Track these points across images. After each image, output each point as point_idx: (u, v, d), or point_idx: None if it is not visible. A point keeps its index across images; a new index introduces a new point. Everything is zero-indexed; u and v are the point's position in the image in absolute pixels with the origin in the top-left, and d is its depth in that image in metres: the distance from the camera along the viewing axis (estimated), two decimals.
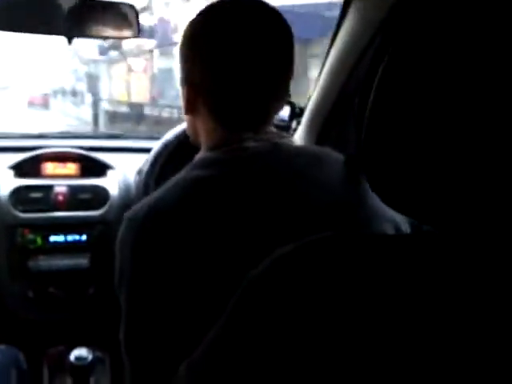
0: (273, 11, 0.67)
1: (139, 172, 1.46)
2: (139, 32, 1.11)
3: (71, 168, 1.54)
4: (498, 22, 0.32)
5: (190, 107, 0.71)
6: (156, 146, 1.38)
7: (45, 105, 26.23)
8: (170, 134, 1.39)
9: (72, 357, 1.19)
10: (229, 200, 0.62)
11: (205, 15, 0.68)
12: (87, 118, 16.90)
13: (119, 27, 1.11)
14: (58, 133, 1.93)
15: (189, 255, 0.60)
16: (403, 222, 0.78)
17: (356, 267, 0.36)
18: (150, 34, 15.39)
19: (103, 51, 22.23)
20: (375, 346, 0.33)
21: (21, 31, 1.29)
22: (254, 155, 0.66)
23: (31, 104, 26.01)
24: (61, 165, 1.54)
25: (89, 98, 23.39)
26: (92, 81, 26.66)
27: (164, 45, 16.11)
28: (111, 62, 22.60)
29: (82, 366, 1.18)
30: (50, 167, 1.53)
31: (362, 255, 0.37)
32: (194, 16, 0.69)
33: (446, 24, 0.33)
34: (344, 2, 1.12)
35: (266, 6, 0.67)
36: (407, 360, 0.32)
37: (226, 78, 0.66)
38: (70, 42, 1.11)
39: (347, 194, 0.68)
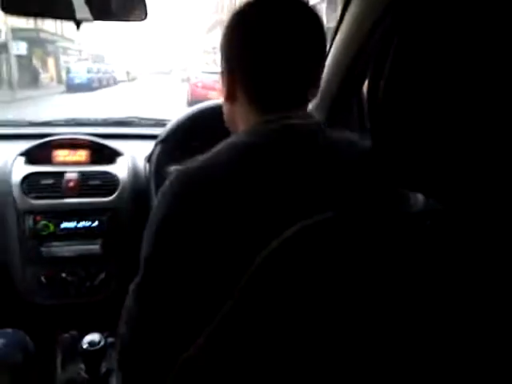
0: (305, 5, 0.73)
1: (148, 158, 1.46)
2: (146, 15, 1.10)
3: (82, 155, 1.55)
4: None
5: (229, 95, 0.77)
6: (162, 131, 1.37)
7: None
8: (173, 122, 1.39)
9: (84, 342, 1.20)
10: (276, 169, 0.64)
11: (246, 8, 0.73)
12: None
13: (127, 10, 1.11)
14: (65, 120, 1.92)
15: (228, 219, 0.61)
16: None
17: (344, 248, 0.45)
18: None
19: None
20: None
21: (30, 16, 1.28)
22: (301, 130, 0.69)
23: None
24: (71, 152, 1.54)
25: None
26: None
27: None
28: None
29: (93, 351, 1.19)
30: (60, 154, 1.54)
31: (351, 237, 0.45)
32: (236, 9, 0.74)
33: (453, 8, 0.35)
34: None
35: (300, 1, 0.73)
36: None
37: (263, 63, 0.71)
38: (78, 27, 1.11)
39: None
